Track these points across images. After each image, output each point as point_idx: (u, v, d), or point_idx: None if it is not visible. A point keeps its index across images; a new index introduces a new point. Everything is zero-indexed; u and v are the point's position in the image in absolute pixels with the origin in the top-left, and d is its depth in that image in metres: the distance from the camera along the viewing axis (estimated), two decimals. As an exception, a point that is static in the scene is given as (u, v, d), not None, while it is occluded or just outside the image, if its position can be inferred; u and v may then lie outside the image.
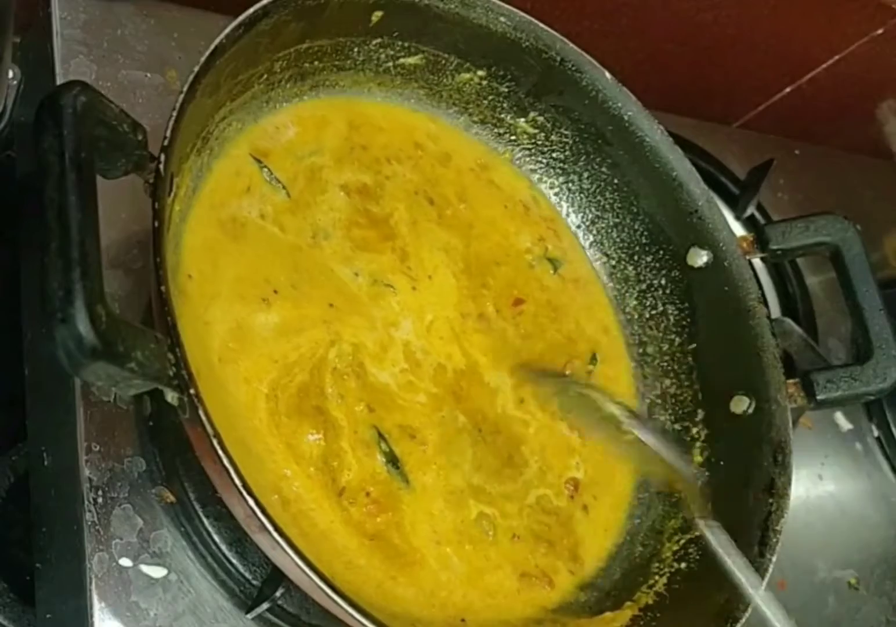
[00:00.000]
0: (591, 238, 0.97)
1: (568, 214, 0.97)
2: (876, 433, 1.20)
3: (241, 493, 0.56)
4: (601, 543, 0.85)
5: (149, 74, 0.86)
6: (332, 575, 0.60)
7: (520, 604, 0.78)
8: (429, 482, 0.77)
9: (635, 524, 0.87)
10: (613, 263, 0.96)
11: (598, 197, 0.96)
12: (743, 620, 0.72)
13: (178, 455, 0.74)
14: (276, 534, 0.57)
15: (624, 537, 0.86)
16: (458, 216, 0.89)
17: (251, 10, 0.69)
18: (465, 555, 0.77)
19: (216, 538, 0.73)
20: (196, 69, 0.64)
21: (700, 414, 0.89)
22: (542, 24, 0.87)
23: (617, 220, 0.95)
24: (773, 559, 0.76)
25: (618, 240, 0.96)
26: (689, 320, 0.92)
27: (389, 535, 0.74)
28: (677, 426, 0.90)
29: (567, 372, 0.88)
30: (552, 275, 0.93)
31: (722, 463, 0.86)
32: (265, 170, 0.80)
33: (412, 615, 0.72)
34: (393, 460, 0.76)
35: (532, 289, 0.91)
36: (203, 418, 0.56)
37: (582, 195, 0.96)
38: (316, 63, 0.83)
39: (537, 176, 0.97)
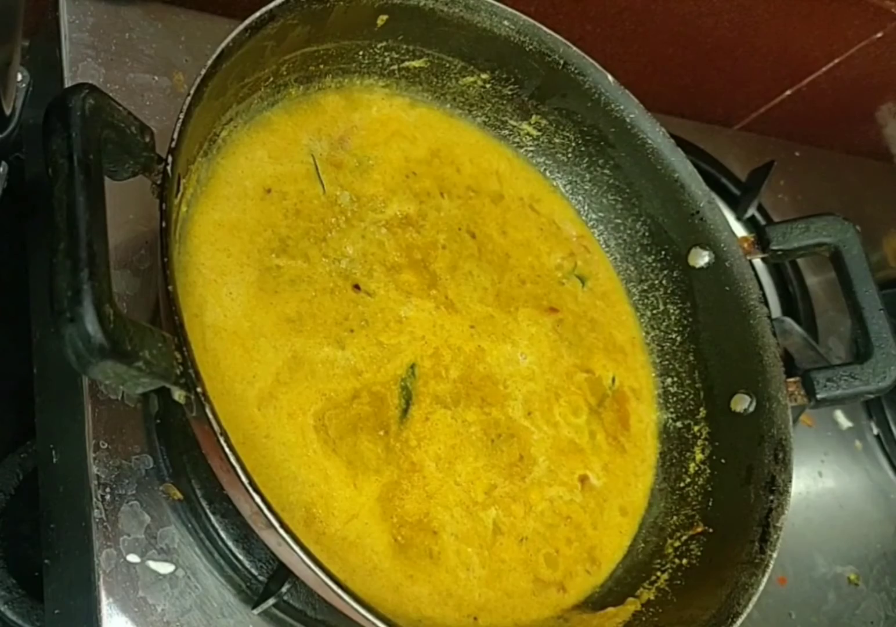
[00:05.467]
0: (594, 238, 0.97)
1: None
2: (875, 431, 1.20)
3: (247, 490, 0.57)
4: (617, 544, 0.86)
5: (156, 77, 0.86)
6: (351, 584, 0.60)
7: (535, 605, 0.79)
8: (450, 482, 0.78)
9: (639, 522, 0.88)
10: (616, 262, 0.97)
11: (601, 198, 0.96)
12: (744, 616, 0.72)
13: (185, 453, 0.74)
14: (281, 530, 0.57)
15: (633, 536, 0.87)
16: (497, 251, 0.90)
17: (257, 14, 0.70)
18: (485, 556, 0.78)
19: (223, 534, 0.74)
20: (203, 72, 0.65)
21: (701, 412, 0.90)
22: (545, 28, 0.87)
23: (619, 221, 0.96)
24: (774, 555, 0.76)
25: (620, 240, 0.96)
26: (690, 319, 0.92)
27: (417, 533, 0.75)
28: (679, 424, 0.91)
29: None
30: (582, 290, 0.94)
31: (723, 461, 0.86)
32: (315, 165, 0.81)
33: (423, 613, 0.73)
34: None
35: (565, 301, 0.92)
36: (210, 415, 0.56)
37: (584, 197, 0.97)
38: (321, 66, 0.83)
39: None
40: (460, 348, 0.83)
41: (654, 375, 0.94)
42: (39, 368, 0.81)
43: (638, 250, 0.95)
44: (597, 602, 0.81)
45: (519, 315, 0.88)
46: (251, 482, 0.57)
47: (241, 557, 0.74)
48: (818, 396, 0.84)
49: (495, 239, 0.90)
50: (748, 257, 0.89)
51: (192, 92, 0.64)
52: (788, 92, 1.36)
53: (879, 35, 1.24)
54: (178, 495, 0.74)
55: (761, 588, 0.74)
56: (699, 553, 0.82)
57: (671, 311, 0.94)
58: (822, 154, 1.42)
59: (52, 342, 0.79)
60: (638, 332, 0.95)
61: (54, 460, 0.76)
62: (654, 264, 0.94)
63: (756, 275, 0.89)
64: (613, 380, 0.91)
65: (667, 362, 0.93)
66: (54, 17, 0.84)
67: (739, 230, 1.22)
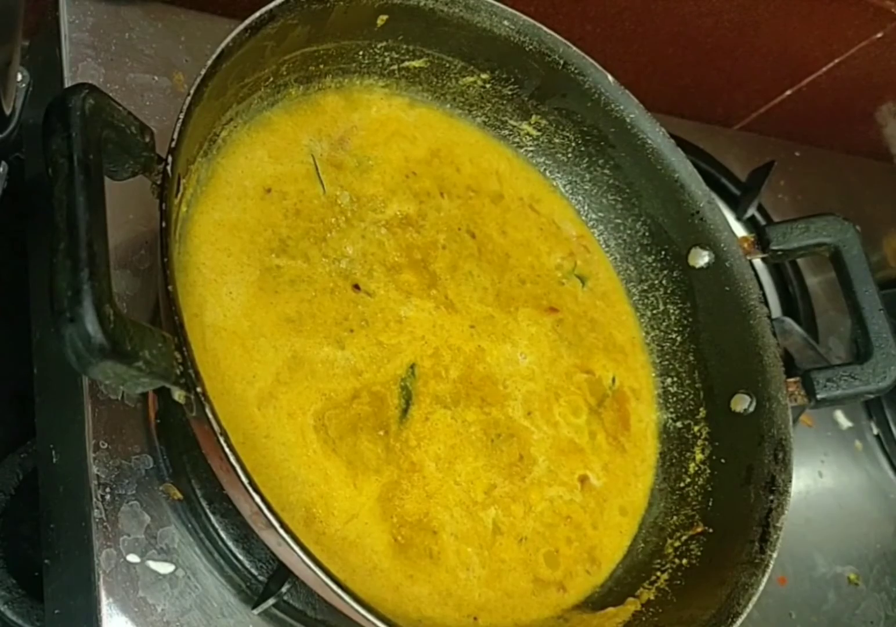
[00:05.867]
0: (594, 238, 0.97)
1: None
2: (875, 431, 1.20)
3: (247, 490, 0.57)
4: (617, 544, 0.86)
5: (156, 77, 0.86)
6: (351, 584, 0.60)
7: (535, 605, 0.79)
8: (450, 482, 0.78)
9: (639, 522, 0.88)
10: (616, 262, 0.97)
11: (601, 198, 0.96)
12: (744, 616, 0.72)
13: (185, 453, 0.74)
14: (281, 530, 0.57)
15: (633, 536, 0.87)
16: (497, 251, 0.90)
17: (257, 14, 0.70)
18: (485, 556, 0.78)
19: (223, 534, 0.74)
20: (203, 72, 0.65)
21: (701, 412, 0.90)
22: (545, 28, 0.87)
23: (619, 221, 0.96)
24: (774, 555, 0.76)
25: (620, 240, 0.96)
26: (690, 319, 0.92)
27: (417, 533, 0.75)
28: (679, 424, 0.91)
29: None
30: (582, 290, 0.94)
31: (723, 461, 0.87)
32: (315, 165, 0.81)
33: (423, 613, 0.73)
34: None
35: (565, 301, 0.92)
36: (209, 415, 0.56)
37: (584, 197, 0.97)
38: (321, 66, 0.83)
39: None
40: (460, 348, 0.83)
41: (654, 375, 0.94)
42: (39, 368, 0.81)
43: (638, 250, 0.95)
44: (597, 602, 0.81)
45: (519, 315, 0.88)
46: (251, 482, 0.57)
47: (241, 557, 0.74)
48: (818, 396, 0.84)
49: (495, 239, 0.90)
50: (748, 257, 0.89)
51: (192, 92, 0.64)
52: (788, 92, 1.36)
53: (879, 35, 1.25)
54: (178, 495, 0.74)
55: (761, 588, 0.74)
56: (699, 553, 0.82)
57: (671, 311, 0.94)
58: (822, 154, 1.42)
59: (52, 342, 0.79)
60: (638, 332, 0.95)
61: (54, 460, 0.76)
62: (654, 264, 0.94)
63: (756, 275, 0.89)
64: (613, 380, 0.91)
65: (667, 362, 0.93)
66: (54, 17, 0.84)
67: (739, 230, 1.22)
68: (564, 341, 0.89)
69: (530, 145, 0.96)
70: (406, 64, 0.88)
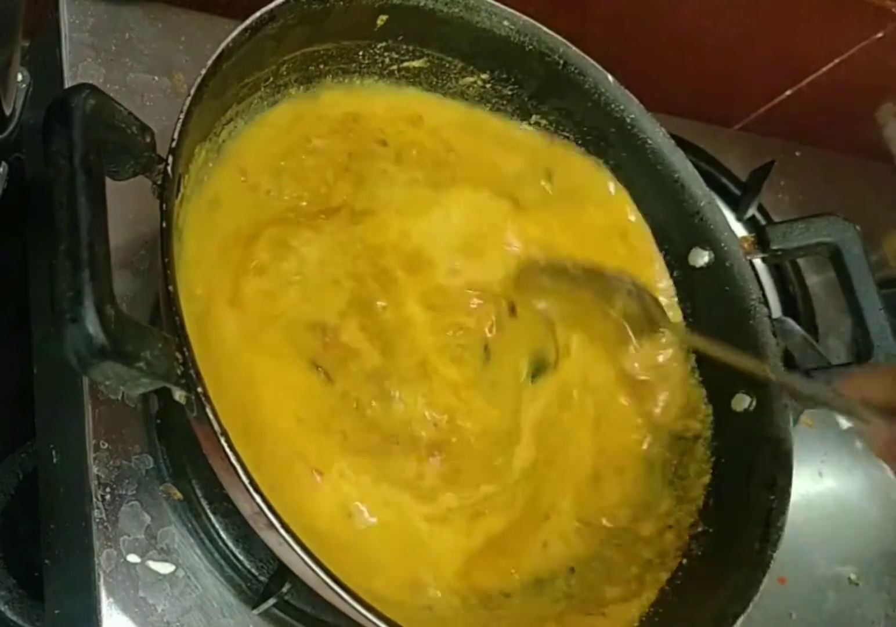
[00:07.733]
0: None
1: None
2: (876, 431, 1.20)
3: (247, 490, 0.57)
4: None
5: (156, 77, 0.86)
6: (351, 582, 0.60)
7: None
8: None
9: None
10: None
11: (601, 199, 0.96)
12: (744, 615, 0.72)
13: (185, 453, 0.74)
14: (282, 530, 0.57)
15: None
16: None
17: (257, 14, 0.70)
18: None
19: (223, 534, 0.74)
20: (203, 72, 0.65)
21: (702, 412, 0.90)
22: (545, 28, 0.87)
23: (619, 221, 0.96)
24: (774, 555, 0.76)
25: (620, 240, 0.96)
26: (690, 319, 0.92)
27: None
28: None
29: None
30: None
31: (723, 461, 0.86)
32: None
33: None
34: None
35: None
36: (210, 416, 0.56)
37: (584, 197, 0.97)
38: (321, 66, 0.83)
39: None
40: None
41: None
42: (40, 368, 0.81)
43: (638, 250, 0.95)
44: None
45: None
46: (252, 482, 0.57)
47: (241, 557, 0.74)
48: (819, 396, 0.84)
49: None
50: (748, 257, 0.89)
51: (192, 92, 0.64)
52: (788, 92, 1.36)
53: (879, 35, 1.24)
54: (178, 495, 0.74)
55: (761, 588, 0.74)
56: (699, 553, 0.82)
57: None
58: (822, 154, 1.42)
59: (52, 342, 0.79)
60: None
61: (54, 460, 0.76)
62: (654, 265, 0.94)
63: (756, 275, 0.90)
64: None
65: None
66: (54, 17, 0.84)
67: (740, 230, 1.22)
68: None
69: (531, 146, 0.96)
70: (406, 64, 0.88)
